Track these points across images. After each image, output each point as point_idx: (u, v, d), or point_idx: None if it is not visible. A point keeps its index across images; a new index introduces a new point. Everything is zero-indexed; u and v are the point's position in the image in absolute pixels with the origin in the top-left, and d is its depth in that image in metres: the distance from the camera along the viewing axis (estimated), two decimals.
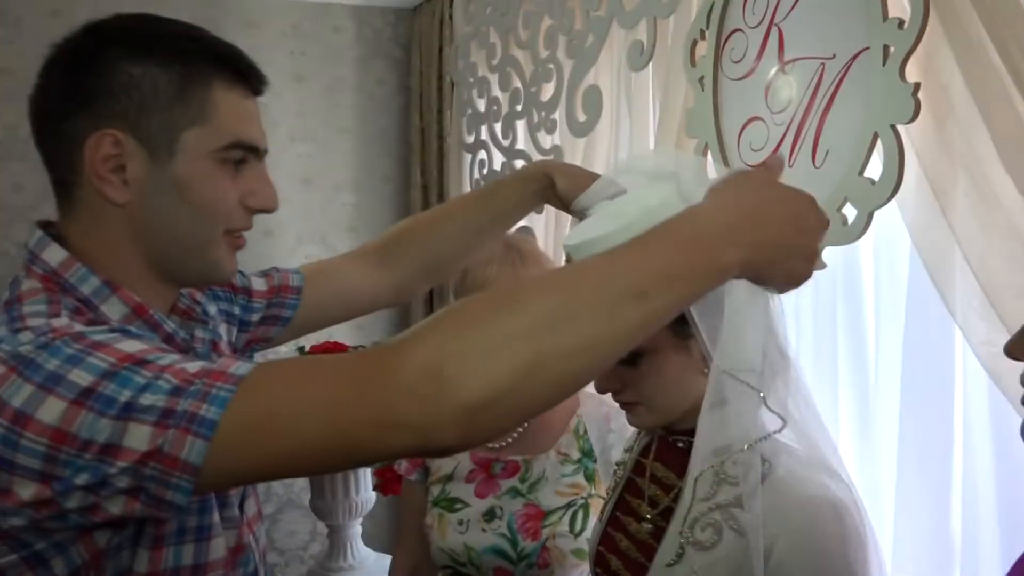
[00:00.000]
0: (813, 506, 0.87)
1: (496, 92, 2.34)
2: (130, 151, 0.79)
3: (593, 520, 1.34)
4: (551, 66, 2.02)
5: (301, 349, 2.49)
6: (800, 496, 0.88)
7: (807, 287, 0.80)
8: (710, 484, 0.89)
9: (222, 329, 1.00)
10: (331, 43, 3.10)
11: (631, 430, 1.15)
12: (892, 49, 1.17)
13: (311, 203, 3.09)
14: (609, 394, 1.00)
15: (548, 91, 2.06)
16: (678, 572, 0.90)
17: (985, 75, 1.10)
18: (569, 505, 1.38)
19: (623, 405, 1.00)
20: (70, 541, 0.71)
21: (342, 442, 0.66)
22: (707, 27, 1.51)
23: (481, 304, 0.67)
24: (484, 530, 1.38)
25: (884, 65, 1.18)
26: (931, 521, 1.35)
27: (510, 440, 1.43)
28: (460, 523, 1.40)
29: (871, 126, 1.20)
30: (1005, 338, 0.76)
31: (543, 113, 2.08)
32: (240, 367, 0.68)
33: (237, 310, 1.05)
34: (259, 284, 1.09)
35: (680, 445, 0.99)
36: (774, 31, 1.38)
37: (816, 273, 0.80)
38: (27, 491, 0.67)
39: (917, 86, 1.14)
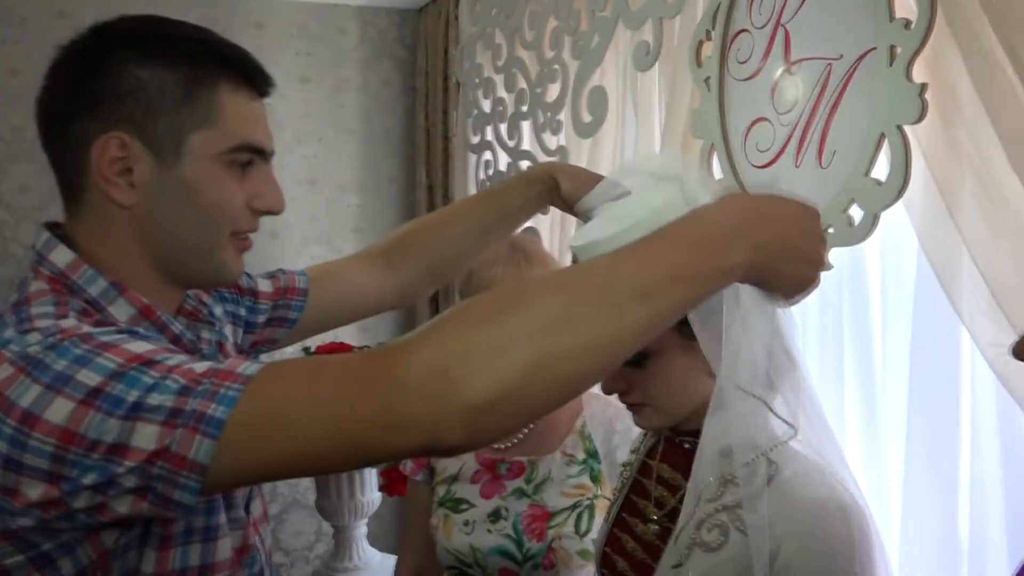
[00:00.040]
0: (820, 508, 0.87)
1: (502, 93, 2.34)
2: (136, 154, 0.80)
3: (598, 521, 1.34)
4: (556, 67, 2.02)
5: (306, 350, 2.50)
6: (807, 498, 0.87)
7: None
8: (716, 485, 0.89)
9: (228, 330, 1.00)
10: (337, 44, 3.11)
11: (636, 431, 1.14)
12: (899, 49, 1.17)
13: (316, 204, 3.10)
14: (615, 395, 1.00)
15: (554, 92, 2.06)
16: (684, 573, 0.90)
17: (992, 75, 1.09)
18: (575, 506, 1.38)
19: (629, 407, 1.00)
20: (77, 541, 0.72)
21: (349, 442, 0.66)
22: (713, 27, 1.51)
23: (486, 304, 0.67)
24: (489, 531, 1.38)
25: (891, 65, 1.18)
26: (938, 522, 1.35)
27: (515, 441, 1.43)
28: (466, 524, 1.40)
29: (878, 127, 1.20)
30: (1012, 339, 0.76)
31: (548, 114, 2.08)
32: (248, 367, 0.69)
33: (243, 311, 1.06)
34: (265, 286, 1.09)
35: (687, 446, 0.99)
36: (780, 31, 1.38)
37: (823, 274, 0.79)
38: (35, 491, 0.67)
39: (924, 87, 1.14)
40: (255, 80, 0.86)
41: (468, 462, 1.44)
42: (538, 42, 2.10)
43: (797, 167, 1.33)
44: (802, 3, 1.35)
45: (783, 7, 1.38)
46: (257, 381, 0.67)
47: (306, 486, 3.02)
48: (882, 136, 1.19)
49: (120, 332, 0.73)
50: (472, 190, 2.59)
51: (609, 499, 1.19)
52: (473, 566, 1.39)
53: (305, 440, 0.66)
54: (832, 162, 1.28)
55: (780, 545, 0.85)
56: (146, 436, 0.66)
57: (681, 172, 0.88)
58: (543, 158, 2.10)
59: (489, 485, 1.42)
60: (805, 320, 1.59)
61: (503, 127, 2.33)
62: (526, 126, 2.23)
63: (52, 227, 0.85)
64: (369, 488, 2.54)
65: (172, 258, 0.84)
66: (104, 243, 0.82)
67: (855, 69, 1.25)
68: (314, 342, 2.45)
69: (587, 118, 1.89)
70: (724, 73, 1.49)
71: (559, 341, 0.63)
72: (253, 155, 0.85)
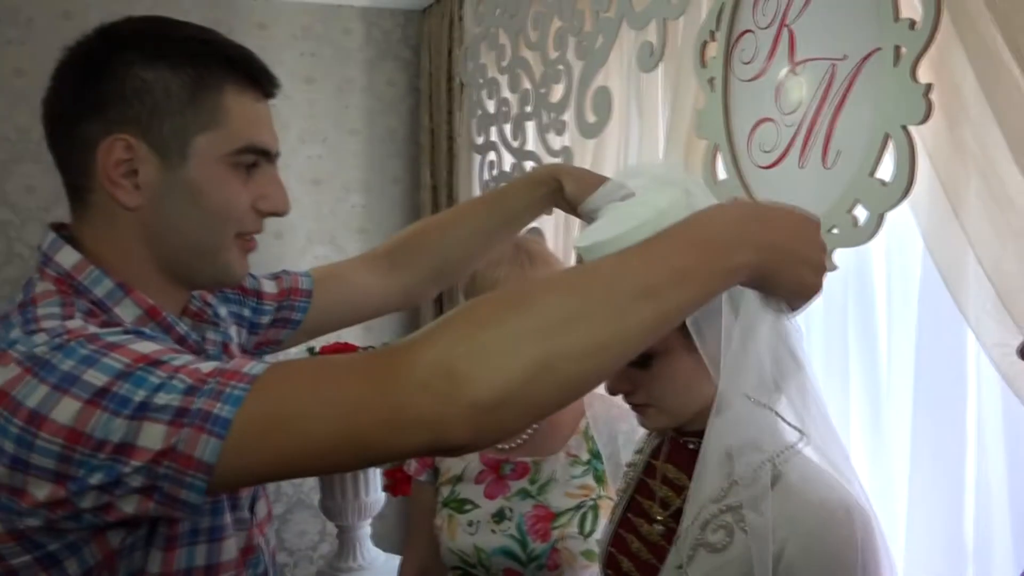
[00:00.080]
0: (824, 509, 0.87)
1: (506, 93, 2.34)
2: (142, 156, 0.80)
3: (602, 521, 1.34)
4: (561, 67, 2.02)
5: (311, 350, 2.50)
6: (811, 499, 0.87)
7: None
8: (721, 487, 0.89)
9: (233, 331, 1.00)
10: (341, 45, 3.11)
11: (641, 432, 1.14)
12: (904, 50, 1.17)
13: (321, 204, 3.11)
14: (619, 396, 1.00)
15: (558, 92, 2.05)
16: (689, 574, 0.90)
17: (998, 75, 1.09)
18: (579, 506, 1.38)
19: (634, 407, 1.00)
20: (83, 541, 0.72)
21: (354, 441, 0.66)
22: (717, 28, 1.51)
23: (492, 304, 0.67)
24: (494, 531, 1.38)
25: (896, 66, 1.17)
26: (944, 523, 1.34)
27: (520, 442, 1.43)
28: (470, 524, 1.40)
29: (882, 127, 1.19)
30: (1018, 340, 0.76)
31: (553, 114, 2.08)
32: (254, 367, 0.69)
33: (247, 312, 1.06)
34: (269, 287, 1.09)
35: (691, 447, 0.98)
36: (784, 32, 1.38)
37: (827, 275, 0.80)
38: (42, 491, 0.67)
39: (929, 87, 1.14)
40: (260, 81, 0.86)
41: (472, 462, 1.44)
42: (542, 43, 2.10)
43: (801, 168, 1.33)
44: (806, 3, 1.34)
45: (787, 7, 1.37)
46: (263, 381, 0.68)
47: (310, 486, 3.02)
48: (887, 136, 1.19)
49: (126, 332, 0.73)
50: (476, 190, 2.59)
51: (613, 500, 1.19)
52: (477, 566, 1.39)
53: (311, 439, 0.66)
54: (837, 163, 1.28)
55: (784, 547, 0.85)
56: (152, 436, 0.66)
57: (684, 177, 0.89)
58: (547, 158, 2.10)
59: (493, 485, 1.42)
60: (810, 321, 1.59)
61: (507, 127, 2.33)
62: (530, 127, 2.23)
63: (58, 228, 0.85)
64: (373, 488, 2.54)
65: (177, 259, 0.85)
66: (110, 244, 0.82)
67: (860, 69, 1.24)
68: (319, 342, 2.44)
69: (591, 119, 1.89)
70: (728, 73, 1.49)
71: (564, 341, 0.63)
72: (258, 157, 0.85)
